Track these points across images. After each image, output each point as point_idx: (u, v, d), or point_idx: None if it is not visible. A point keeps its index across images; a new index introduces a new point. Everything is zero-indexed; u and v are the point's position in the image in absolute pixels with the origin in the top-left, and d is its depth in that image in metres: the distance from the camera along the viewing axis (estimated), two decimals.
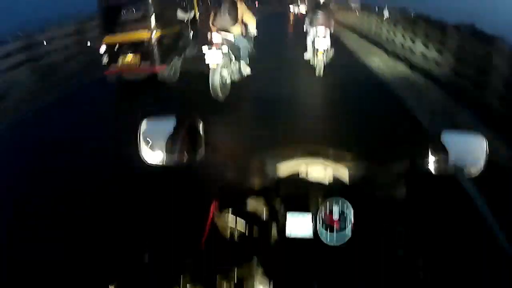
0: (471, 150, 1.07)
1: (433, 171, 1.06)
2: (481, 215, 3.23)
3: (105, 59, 7.43)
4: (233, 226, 1.06)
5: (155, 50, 7.28)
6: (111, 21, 7.51)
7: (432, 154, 1.06)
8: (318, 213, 1.02)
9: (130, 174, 3.20)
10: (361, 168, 1.13)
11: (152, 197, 3.24)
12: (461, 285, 2.30)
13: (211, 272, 0.97)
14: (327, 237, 1.00)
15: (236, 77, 6.33)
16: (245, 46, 6.32)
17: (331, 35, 8.15)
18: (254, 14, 6.68)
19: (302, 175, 1.14)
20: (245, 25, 6.38)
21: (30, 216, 3.32)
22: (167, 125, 1.03)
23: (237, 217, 1.06)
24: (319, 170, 1.14)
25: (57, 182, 3.99)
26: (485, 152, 1.06)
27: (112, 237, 2.84)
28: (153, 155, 1.03)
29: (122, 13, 7.65)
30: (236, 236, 1.06)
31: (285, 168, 1.15)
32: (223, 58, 5.62)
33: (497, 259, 2.68)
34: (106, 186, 3.69)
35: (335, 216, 1.01)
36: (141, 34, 7.29)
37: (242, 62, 6.37)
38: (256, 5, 41.69)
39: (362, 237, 0.99)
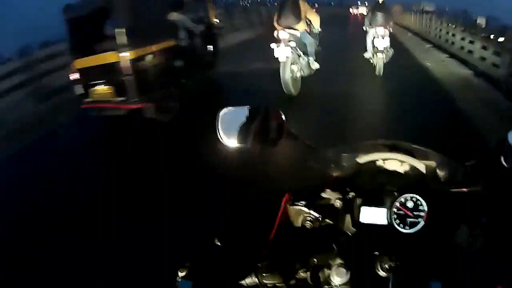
0: None
1: (506, 166, 1.03)
2: None
3: (78, 89, 5.59)
4: (308, 217, 1.08)
5: (131, 78, 5.12)
6: (82, 38, 5.46)
7: (504, 150, 1.03)
8: (393, 206, 1.05)
9: (207, 163, 3.40)
10: (436, 164, 1.14)
11: (228, 185, 3.31)
12: None
13: (287, 261, 0.97)
14: (400, 227, 1.04)
15: (306, 72, 6.47)
16: (311, 43, 6.54)
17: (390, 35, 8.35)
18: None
19: (378, 169, 1.17)
20: (309, 22, 6.55)
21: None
22: (248, 113, 1.05)
23: (311, 209, 1.08)
24: (395, 165, 1.16)
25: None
26: None
27: (188, 224, 2.89)
28: (232, 139, 1.04)
29: (95, 26, 5.49)
30: (310, 226, 1.07)
31: (362, 162, 1.17)
32: (291, 53, 5.78)
33: None
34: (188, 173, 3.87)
35: (409, 208, 1.04)
36: (110, 56, 5.16)
37: (310, 57, 6.56)
38: (316, 6, 41.82)
39: (436, 227, 1.02)
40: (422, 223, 1.03)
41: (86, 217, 3.28)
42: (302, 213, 1.09)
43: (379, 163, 1.17)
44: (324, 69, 7.43)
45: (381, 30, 8.08)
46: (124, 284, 2.47)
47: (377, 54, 8.21)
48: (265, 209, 1.28)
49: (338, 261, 0.92)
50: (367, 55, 8.92)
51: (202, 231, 2.09)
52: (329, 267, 0.92)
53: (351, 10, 32.64)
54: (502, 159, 1.02)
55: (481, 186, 1.07)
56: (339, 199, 1.09)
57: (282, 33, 5.87)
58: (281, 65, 5.80)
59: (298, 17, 6.10)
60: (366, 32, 8.82)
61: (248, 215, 2.63)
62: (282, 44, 5.72)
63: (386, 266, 0.91)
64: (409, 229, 1.03)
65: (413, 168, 1.15)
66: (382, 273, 0.92)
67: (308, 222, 1.08)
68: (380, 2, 8.47)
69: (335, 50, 11.42)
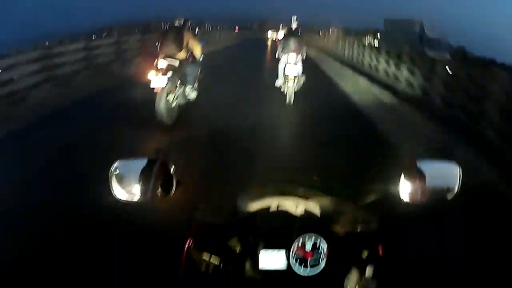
0: (446, 177, 1.12)
1: (408, 200, 1.10)
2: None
3: None
4: (208, 261, 1.08)
5: None
6: None
7: (408, 182, 1.10)
8: (292, 248, 1.05)
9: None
10: (333, 203, 1.16)
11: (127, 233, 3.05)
12: None
13: None
14: (300, 270, 1.04)
15: (182, 101, 6.50)
16: (191, 72, 6.60)
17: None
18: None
19: (274, 211, 1.18)
20: (191, 52, 6.60)
21: None
22: (140, 164, 1.08)
23: (212, 253, 1.08)
24: (291, 206, 1.18)
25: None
26: (458, 178, 1.12)
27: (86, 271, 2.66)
28: (126, 192, 1.08)
29: None
30: (210, 270, 1.07)
31: (258, 205, 1.18)
32: (167, 83, 5.74)
33: None
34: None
35: (308, 249, 1.05)
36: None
37: (188, 86, 6.57)
38: (236, 30, 41.83)
39: (335, 268, 1.04)
40: (323, 263, 1.04)
41: None
42: (204, 260, 1.09)
43: (275, 206, 1.18)
44: (227, 98, 7.78)
45: (292, 57, 7.83)
46: None
47: (288, 82, 7.86)
48: (167, 257, 1.35)
49: None
50: (278, 83, 8.45)
51: None
52: None
53: (269, 34, 32.33)
54: (402, 193, 1.11)
55: (376, 226, 1.11)
56: (239, 242, 1.09)
57: (160, 62, 5.92)
58: (157, 95, 5.72)
59: (179, 46, 6.24)
60: (278, 59, 8.44)
61: (151, 265, 2.59)
62: (160, 74, 5.72)
63: None
64: (310, 271, 1.04)
65: (309, 210, 1.17)
66: None
67: (208, 265, 1.08)
68: (293, 29, 8.33)
69: (244, 77, 11.47)
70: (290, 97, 7.91)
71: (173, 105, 6.10)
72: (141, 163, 1.07)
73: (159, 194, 1.06)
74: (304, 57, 8.23)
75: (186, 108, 6.70)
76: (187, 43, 6.34)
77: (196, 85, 6.84)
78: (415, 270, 2.45)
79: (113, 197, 1.08)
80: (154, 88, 5.62)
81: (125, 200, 1.08)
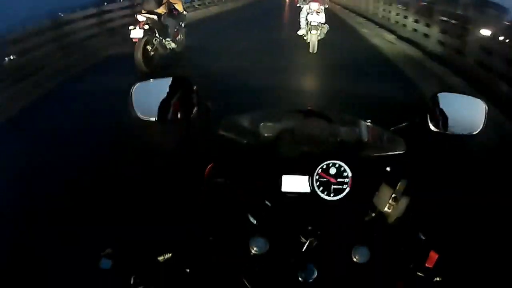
0: (472, 111, 1.14)
1: (432, 129, 1.11)
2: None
3: None
4: (228, 183, 1.06)
5: None
6: None
7: (433, 111, 1.11)
8: (315, 173, 1.04)
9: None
10: (359, 129, 1.16)
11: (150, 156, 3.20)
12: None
13: (206, 236, 0.99)
14: (324, 194, 1.04)
15: (161, 51, 7.00)
16: (171, 25, 7.16)
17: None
18: None
19: (298, 136, 1.15)
20: (173, 7, 7.26)
21: None
22: (160, 85, 1.10)
23: (232, 177, 1.06)
24: (315, 131, 1.16)
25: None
26: (484, 115, 1.13)
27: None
28: (148, 112, 1.09)
29: None
30: (231, 193, 1.06)
31: (281, 128, 1.16)
32: (146, 34, 6.35)
33: None
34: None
35: (331, 175, 1.04)
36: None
37: (167, 39, 7.10)
38: None
39: (359, 192, 1.04)
40: (347, 189, 1.04)
41: None
42: (225, 183, 1.07)
43: (299, 129, 1.16)
44: (254, 46, 8.27)
45: (315, 5, 7.79)
46: None
47: (311, 30, 7.81)
48: (189, 182, 1.32)
49: (259, 231, 0.96)
50: (301, 32, 8.48)
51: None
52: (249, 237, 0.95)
53: None
54: (429, 121, 1.11)
55: (404, 149, 1.11)
56: (261, 168, 1.07)
57: (139, 17, 6.54)
58: (136, 45, 6.29)
59: (159, 2, 6.90)
60: (300, 8, 8.50)
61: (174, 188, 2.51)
62: (137, 27, 6.30)
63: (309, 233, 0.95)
64: (334, 196, 1.04)
65: (334, 134, 1.15)
66: (303, 240, 0.95)
67: (230, 191, 1.07)
68: None
69: (267, 26, 11.72)
70: (313, 45, 7.79)
71: (151, 54, 6.68)
72: (161, 83, 1.10)
73: (179, 115, 1.08)
74: (327, 6, 8.24)
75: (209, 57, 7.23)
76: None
77: (181, 38, 7.55)
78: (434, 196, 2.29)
79: (134, 116, 1.10)
80: (133, 38, 6.28)
81: (146, 119, 1.09)
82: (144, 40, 6.34)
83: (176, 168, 2.80)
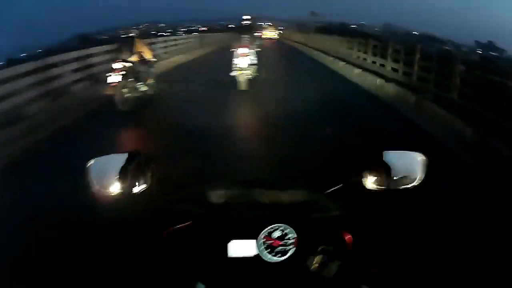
0: (410, 166, 1.17)
1: (373, 188, 1.14)
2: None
3: None
4: (183, 250, 1.12)
5: None
6: None
7: (373, 171, 1.14)
8: (259, 237, 1.07)
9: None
10: (301, 193, 1.19)
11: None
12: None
13: None
14: (267, 256, 1.06)
15: (135, 94, 8.05)
16: (143, 71, 8.40)
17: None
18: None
19: (245, 202, 1.19)
20: (142, 56, 8.42)
21: None
22: (117, 160, 1.12)
23: (187, 243, 1.11)
24: (261, 197, 1.20)
25: None
26: (423, 167, 1.18)
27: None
28: (105, 187, 1.12)
29: None
30: (185, 259, 1.11)
31: (230, 196, 1.20)
32: (121, 79, 7.48)
33: None
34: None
35: (275, 238, 1.08)
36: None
37: (139, 83, 8.30)
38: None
39: (303, 254, 1.06)
40: (291, 251, 1.07)
41: None
42: (180, 249, 1.14)
43: (245, 196, 1.21)
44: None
45: (242, 50, 9.25)
46: None
47: (238, 71, 9.32)
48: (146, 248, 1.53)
49: None
50: (233, 73, 9.68)
51: None
52: None
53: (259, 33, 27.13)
54: (365, 180, 1.15)
55: (339, 210, 1.15)
56: (211, 233, 1.11)
57: (115, 64, 7.72)
58: (115, 88, 7.43)
59: (131, 51, 8.13)
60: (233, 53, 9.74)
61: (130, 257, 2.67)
62: (113, 73, 7.51)
63: None
64: (277, 257, 1.07)
65: (278, 199, 1.19)
66: None
67: (185, 257, 1.12)
68: (244, 26, 9.95)
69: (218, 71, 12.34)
70: (240, 84, 9.35)
71: (126, 95, 7.69)
72: (118, 159, 1.12)
73: (136, 189, 1.10)
74: (259, 49, 9.75)
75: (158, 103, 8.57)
76: (138, 49, 8.22)
77: (151, 82, 8.67)
78: (381, 256, 2.49)
79: (91, 193, 1.12)
80: (111, 83, 7.38)
81: (103, 196, 1.11)
82: (121, 84, 7.42)
83: (130, 239, 2.82)
